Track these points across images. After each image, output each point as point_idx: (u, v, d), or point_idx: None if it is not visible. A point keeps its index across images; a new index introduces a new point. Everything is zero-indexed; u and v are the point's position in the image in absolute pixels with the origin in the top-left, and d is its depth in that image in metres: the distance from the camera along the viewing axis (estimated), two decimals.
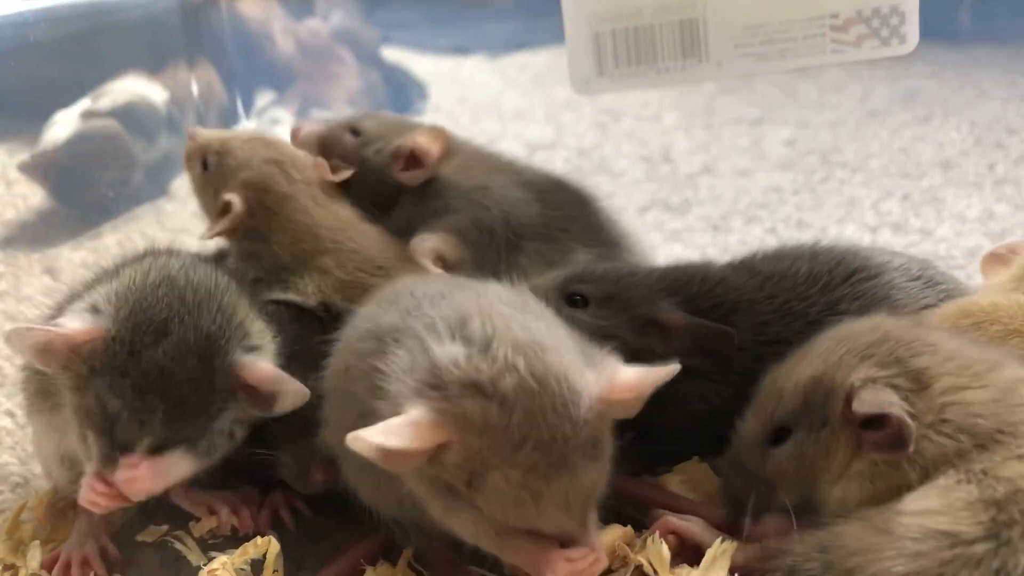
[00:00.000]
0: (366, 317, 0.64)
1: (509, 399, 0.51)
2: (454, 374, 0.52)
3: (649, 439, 0.68)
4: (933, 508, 0.53)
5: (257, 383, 0.66)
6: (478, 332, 0.53)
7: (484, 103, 1.86)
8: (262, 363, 0.67)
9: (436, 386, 0.52)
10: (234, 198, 0.82)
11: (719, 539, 0.62)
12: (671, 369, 0.55)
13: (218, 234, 0.82)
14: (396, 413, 0.52)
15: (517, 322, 0.54)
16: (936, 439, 0.56)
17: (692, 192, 1.38)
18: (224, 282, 0.70)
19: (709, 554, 0.61)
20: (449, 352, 0.53)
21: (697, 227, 1.28)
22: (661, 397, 0.56)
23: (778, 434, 0.62)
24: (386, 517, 0.67)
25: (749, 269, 0.77)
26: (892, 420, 0.55)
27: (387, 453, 0.50)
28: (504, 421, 0.51)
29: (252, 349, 0.68)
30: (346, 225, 0.84)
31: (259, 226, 0.82)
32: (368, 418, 0.55)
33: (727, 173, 1.44)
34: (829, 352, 0.60)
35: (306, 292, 0.79)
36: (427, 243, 0.81)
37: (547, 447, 0.51)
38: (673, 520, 0.67)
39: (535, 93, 1.92)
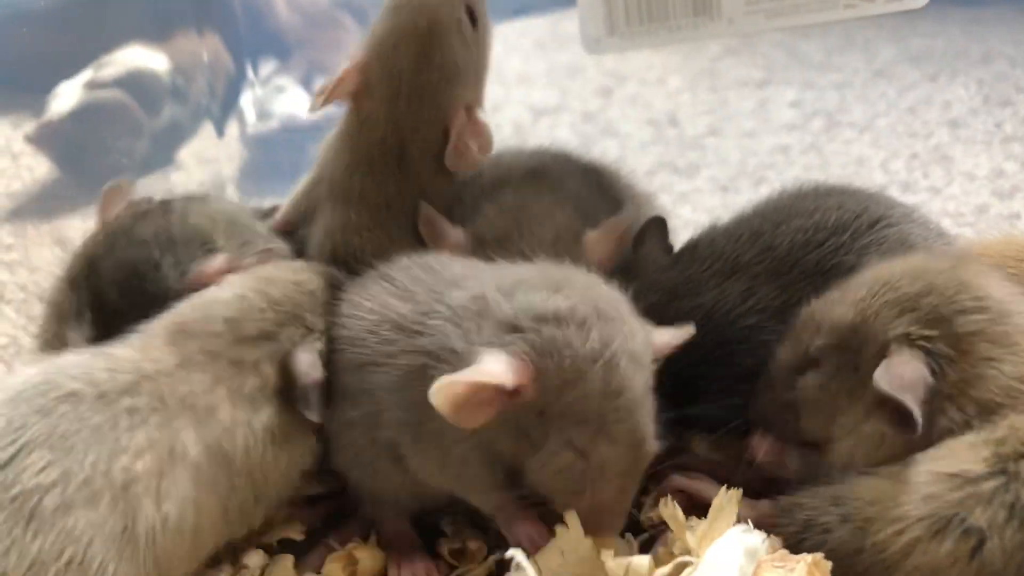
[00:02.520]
0: (370, 312, 0.66)
1: (587, 321, 0.56)
2: (532, 312, 0.56)
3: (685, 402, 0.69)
4: (938, 454, 0.54)
5: None
6: (541, 282, 0.59)
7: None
8: None
9: (513, 328, 0.56)
10: None
11: (723, 488, 0.62)
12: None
13: None
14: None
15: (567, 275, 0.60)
16: (950, 413, 0.56)
17: (699, 154, 1.38)
18: None
19: (715, 503, 0.61)
20: (522, 299, 0.57)
21: (705, 189, 1.28)
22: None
23: (809, 364, 0.62)
24: (370, 499, 0.72)
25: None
26: (904, 408, 0.55)
27: (472, 397, 0.53)
28: (582, 341, 0.55)
29: None
30: None
31: None
32: (389, 411, 0.61)
33: (733, 135, 1.43)
34: (870, 298, 0.60)
35: None
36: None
37: (620, 371, 0.56)
38: (680, 479, 0.68)
39: (537, 59, 1.91)
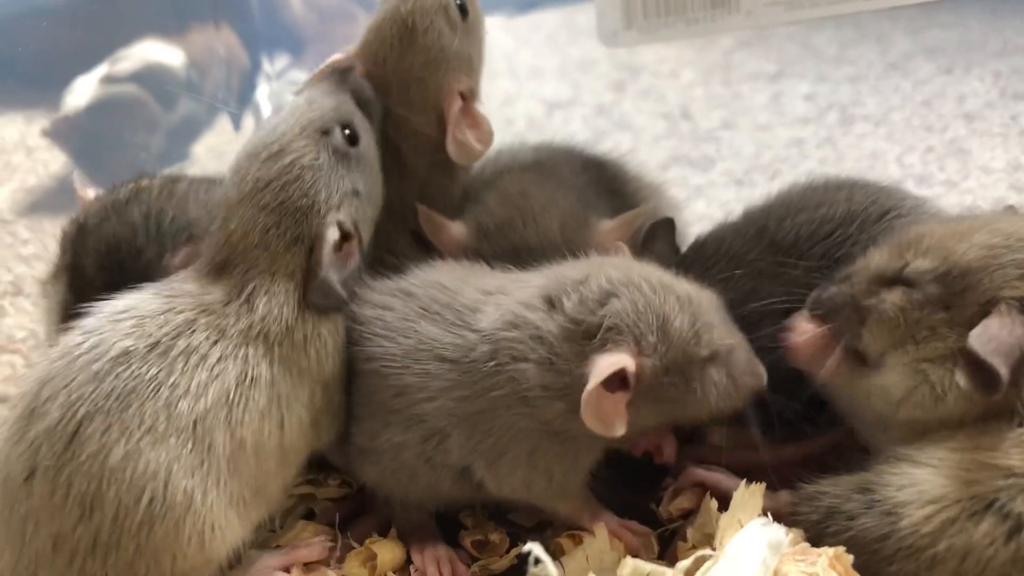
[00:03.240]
0: (403, 335, 0.67)
1: (635, 279, 0.60)
2: (591, 301, 0.60)
3: None
4: (983, 443, 0.54)
5: None
6: (574, 273, 0.63)
7: (499, 63, 1.84)
8: None
9: (610, 328, 0.59)
10: None
11: (744, 481, 0.63)
12: None
13: None
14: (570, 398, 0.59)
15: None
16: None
17: (713, 148, 1.37)
18: None
19: (737, 496, 0.61)
20: (572, 299, 0.61)
21: (720, 183, 1.27)
22: None
23: (901, 281, 0.60)
24: (396, 500, 0.73)
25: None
26: (992, 375, 0.54)
27: (609, 403, 0.58)
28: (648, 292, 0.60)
29: None
30: None
31: None
32: (456, 439, 0.64)
33: (747, 128, 1.43)
34: (1000, 248, 0.57)
35: None
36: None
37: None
38: (698, 471, 0.68)
39: (550, 52, 1.91)
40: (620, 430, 0.57)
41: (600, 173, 0.87)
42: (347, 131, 0.70)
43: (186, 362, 0.61)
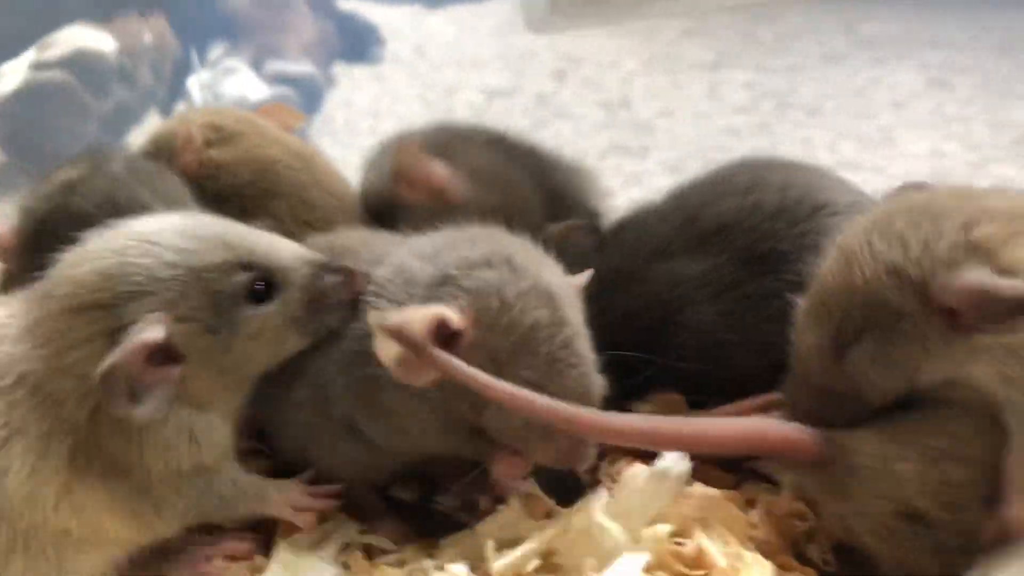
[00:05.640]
0: None
1: (515, 261, 0.58)
2: (460, 263, 0.58)
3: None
4: None
5: None
6: (461, 239, 0.61)
7: (441, 52, 1.85)
8: None
9: (444, 281, 0.58)
10: None
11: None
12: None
13: None
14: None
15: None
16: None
17: (650, 137, 1.39)
18: None
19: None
20: (447, 256, 0.59)
21: (655, 170, 1.29)
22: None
23: (848, 343, 0.56)
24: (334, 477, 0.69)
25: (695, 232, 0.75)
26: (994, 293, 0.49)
27: (413, 348, 0.54)
28: (517, 278, 0.57)
29: None
30: None
31: None
32: (337, 389, 0.62)
33: (685, 117, 1.45)
34: (881, 243, 0.55)
35: None
36: None
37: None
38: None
39: (493, 42, 1.91)
40: (418, 381, 0.56)
41: (506, 147, 0.86)
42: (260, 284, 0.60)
43: None
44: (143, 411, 0.54)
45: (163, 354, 0.55)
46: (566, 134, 1.43)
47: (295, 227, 0.73)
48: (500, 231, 0.63)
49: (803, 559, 0.56)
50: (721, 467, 0.64)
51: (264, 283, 0.59)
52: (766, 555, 0.53)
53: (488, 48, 1.89)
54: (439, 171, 0.75)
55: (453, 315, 0.55)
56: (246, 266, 0.58)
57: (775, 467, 0.63)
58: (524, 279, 0.58)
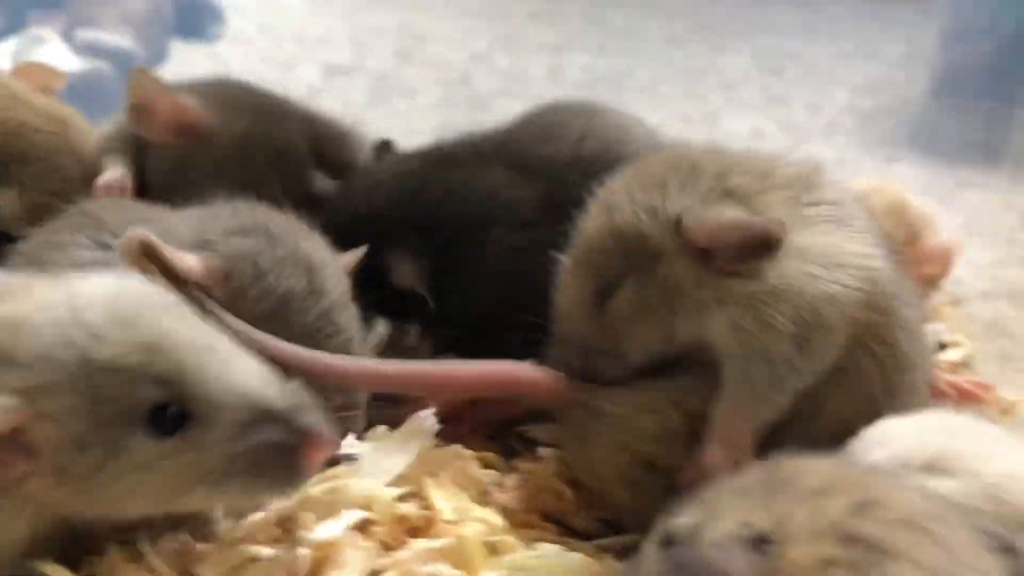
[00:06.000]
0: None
1: (274, 231, 0.57)
2: (219, 229, 0.57)
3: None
4: None
5: None
6: (223, 210, 0.59)
7: (287, 30, 1.81)
8: None
9: (203, 244, 0.56)
10: None
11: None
12: None
13: None
14: None
15: None
16: None
17: (486, 115, 1.39)
18: None
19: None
20: (208, 222, 0.58)
21: None
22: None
23: (609, 290, 0.56)
24: None
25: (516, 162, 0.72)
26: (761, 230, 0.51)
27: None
28: (275, 247, 0.57)
29: None
30: None
31: None
32: None
33: (523, 97, 1.46)
34: (639, 188, 0.56)
35: None
36: None
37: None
38: None
39: (342, 20, 1.89)
40: None
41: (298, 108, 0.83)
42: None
43: None
44: None
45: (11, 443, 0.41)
46: (402, 110, 1.42)
47: (42, 197, 0.68)
48: (265, 207, 0.62)
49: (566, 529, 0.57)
50: (490, 438, 0.65)
51: (176, 412, 0.42)
52: (508, 516, 0.53)
53: (336, 26, 1.86)
54: (179, 98, 0.68)
55: (199, 265, 0.54)
56: (161, 382, 0.42)
57: (540, 432, 0.64)
58: (280, 248, 0.57)
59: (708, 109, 1.45)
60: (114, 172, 0.69)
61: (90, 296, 0.43)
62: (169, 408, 0.42)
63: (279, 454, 0.43)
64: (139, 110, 0.68)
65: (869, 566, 0.31)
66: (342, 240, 0.64)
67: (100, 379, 0.41)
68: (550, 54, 1.69)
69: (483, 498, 0.54)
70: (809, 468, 0.36)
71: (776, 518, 0.33)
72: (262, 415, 0.42)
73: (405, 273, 0.69)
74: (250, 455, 0.42)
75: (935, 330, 0.80)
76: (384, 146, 0.78)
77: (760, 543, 0.32)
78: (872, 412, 0.48)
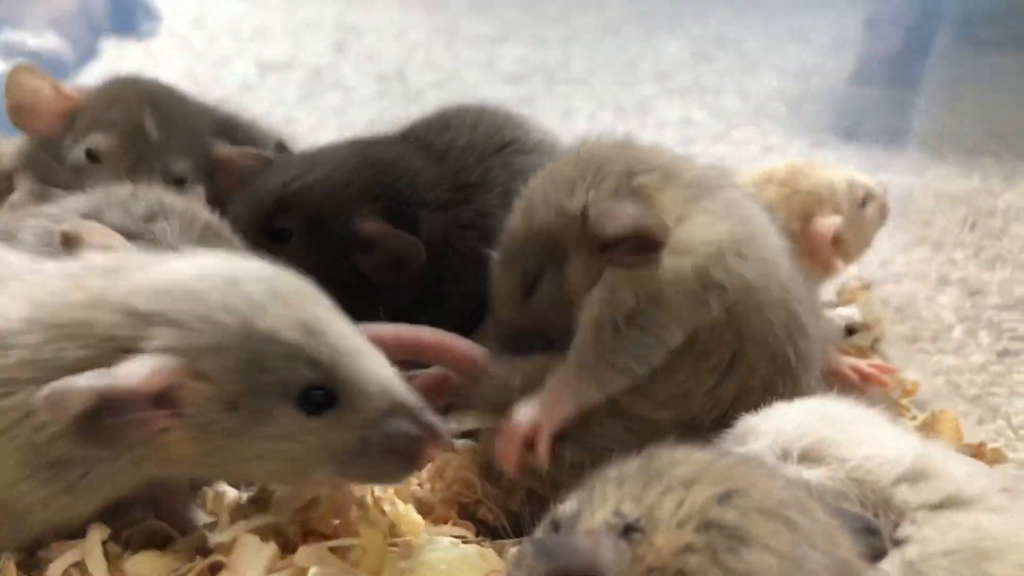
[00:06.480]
0: None
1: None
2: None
3: None
4: None
5: None
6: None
7: (223, 23, 1.79)
8: None
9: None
10: None
11: None
12: None
13: None
14: None
15: None
16: None
17: (420, 108, 1.39)
18: None
19: None
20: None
21: None
22: None
23: (533, 280, 0.61)
24: None
25: (425, 147, 0.77)
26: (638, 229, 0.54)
27: None
28: None
29: None
30: None
31: None
32: None
33: (457, 89, 1.46)
34: (552, 189, 0.60)
35: None
36: None
37: None
38: None
39: (278, 13, 1.87)
40: None
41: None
42: None
43: None
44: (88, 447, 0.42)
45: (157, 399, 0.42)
46: (336, 105, 1.42)
47: None
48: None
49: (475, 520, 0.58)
50: None
51: (324, 395, 0.44)
52: (423, 510, 0.55)
53: (272, 20, 1.84)
54: (62, 87, 0.68)
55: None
56: (314, 363, 0.44)
57: (456, 422, 0.65)
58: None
59: (641, 97, 1.46)
60: (22, 192, 0.69)
61: (243, 269, 0.46)
62: (320, 390, 0.44)
63: (405, 445, 0.45)
64: (19, 110, 0.67)
65: (725, 552, 0.33)
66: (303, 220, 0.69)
67: (260, 346, 0.43)
68: (487, 45, 1.70)
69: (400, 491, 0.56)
70: (682, 459, 0.37)
71: (645, 508, 0.35)
72: (397, 408, 0.45)
73: (385, 231, 0.70)
74: (382, 442, 0.45)
75: (845, 314, 0.84)
76: (279, 147, 0.82)
77: (629, 531, 0.34)
78: (750, 401, 0.50)
